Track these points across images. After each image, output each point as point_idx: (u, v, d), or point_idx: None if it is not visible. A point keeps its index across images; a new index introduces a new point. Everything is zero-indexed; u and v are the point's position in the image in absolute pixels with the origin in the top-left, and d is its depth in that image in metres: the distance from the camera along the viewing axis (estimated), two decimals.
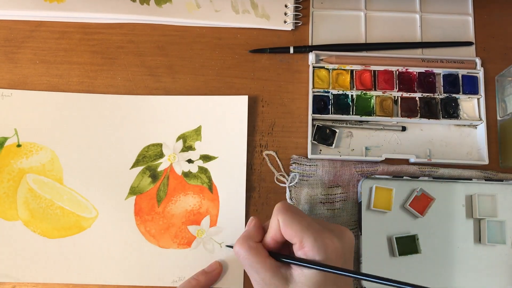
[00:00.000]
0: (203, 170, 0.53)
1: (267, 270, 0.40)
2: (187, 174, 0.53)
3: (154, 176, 0.53)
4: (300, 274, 0.39)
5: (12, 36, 0.56)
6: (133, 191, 0.52)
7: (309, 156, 0.53)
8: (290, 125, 0.55)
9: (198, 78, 0.56)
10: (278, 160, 0.54)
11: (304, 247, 0.39)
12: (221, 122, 0.54)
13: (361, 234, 0.51)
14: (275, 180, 0.53)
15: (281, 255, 0.41)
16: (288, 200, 0.52)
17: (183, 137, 0.53)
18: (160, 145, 0.53)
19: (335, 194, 0.53)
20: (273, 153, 0.54)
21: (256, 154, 0.54)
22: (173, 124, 0.54)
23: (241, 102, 0.54)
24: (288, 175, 0.53)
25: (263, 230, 0.43)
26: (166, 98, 0.54)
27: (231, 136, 0.53)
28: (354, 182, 0.53)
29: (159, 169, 0.53)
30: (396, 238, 0.50)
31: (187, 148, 0.53)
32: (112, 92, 0.55)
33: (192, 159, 0.53)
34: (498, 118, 0.56)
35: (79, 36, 0.56)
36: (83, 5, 0.56)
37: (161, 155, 0.53)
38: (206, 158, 0.53)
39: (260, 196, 0.53)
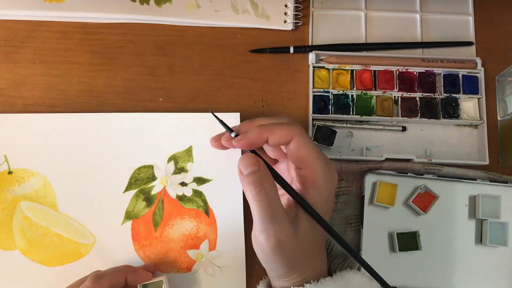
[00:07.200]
0: (197, 193, 0.51)
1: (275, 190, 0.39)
2: (181, 198, 0.51)
3: (149, 199, 0.51)
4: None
5: (12, 36, 0.56)
6: (129, 215, 0.51)
7: None
8: None
9: (198, 78, 0.56)
10: None
11: (314, 180, 0.40)
12: None
13: (362, 228, 0.50)
14: None
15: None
16: None
17: (174, 158, 0.51)
18: (151, 166, 0.51)
19: (339, 187, 0.52)
20: None
21: None
22: (163, 143, 0.52)
23: (233, 120, 0.51)
24: None
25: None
26: (154, 115, 0.52)
27: (225, 156, 0.51)
28: (358, 176, 0.53)
29: (153, 192, 0.51)
30: (397, 233, 0.50)
31: (180, 170, 0.51)
32: (112, 92, 0.55)
33: (186, 181, 0.51)
34: (499, 118, 0.55)
35: (79, 36, 0.56)
36: (83, 5, 0.56)
37: (153, 177, 0.51)
38: (200, 180, 0.51)
39: None
